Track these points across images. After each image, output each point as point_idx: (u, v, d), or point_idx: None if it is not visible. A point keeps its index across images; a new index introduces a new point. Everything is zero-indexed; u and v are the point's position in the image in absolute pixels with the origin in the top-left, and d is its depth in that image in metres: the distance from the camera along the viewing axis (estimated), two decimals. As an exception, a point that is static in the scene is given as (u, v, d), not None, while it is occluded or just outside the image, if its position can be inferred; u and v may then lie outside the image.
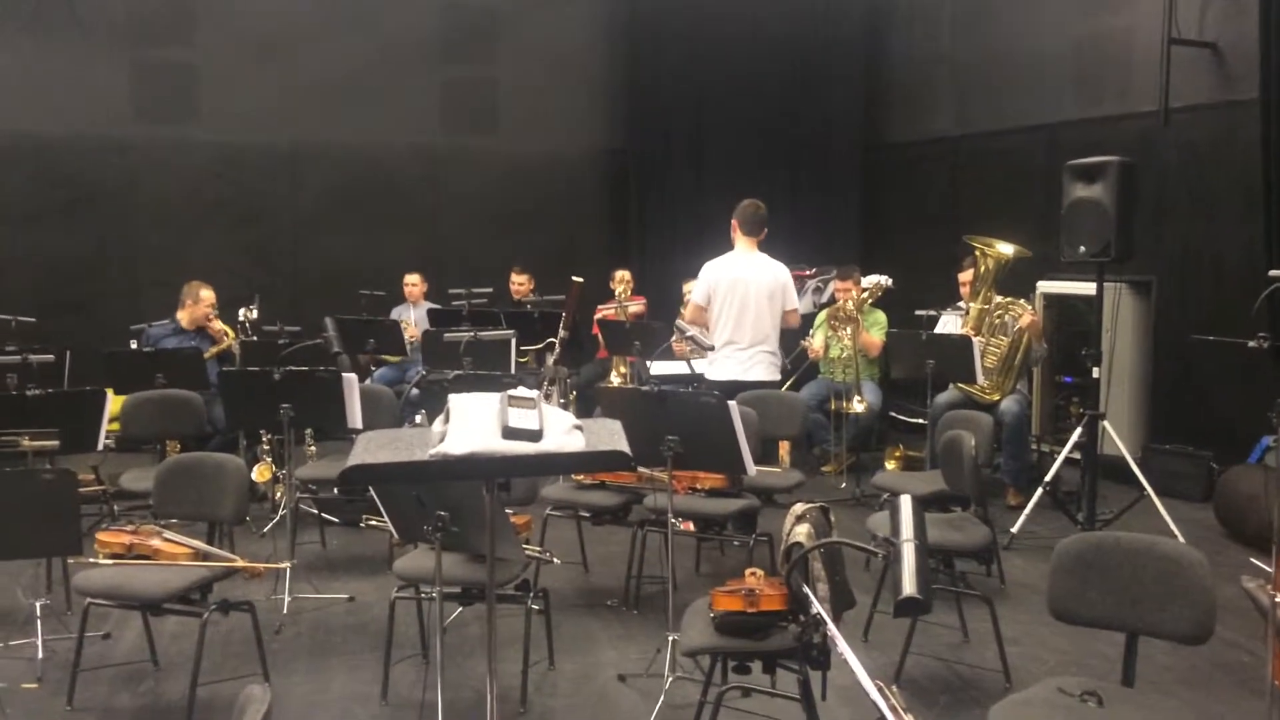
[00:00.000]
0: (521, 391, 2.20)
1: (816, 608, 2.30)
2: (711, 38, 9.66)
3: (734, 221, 6.03)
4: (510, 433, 2.10)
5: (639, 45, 9.79)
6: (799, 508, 3.37)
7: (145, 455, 6.72)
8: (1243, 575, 4.33)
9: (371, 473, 2.13)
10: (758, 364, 5.89)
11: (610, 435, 2.25)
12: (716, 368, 5.95)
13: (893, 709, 1.76)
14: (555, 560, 4.24)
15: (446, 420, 2.17)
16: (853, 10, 9.90)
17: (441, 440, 2.13)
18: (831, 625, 2.09)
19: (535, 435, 2.11)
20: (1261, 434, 6.53)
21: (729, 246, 6.11)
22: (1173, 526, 5.83)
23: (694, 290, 6.08)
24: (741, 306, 5.88)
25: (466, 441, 2.09)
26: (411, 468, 2.12)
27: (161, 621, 4.46)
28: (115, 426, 5.68)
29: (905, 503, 2.09)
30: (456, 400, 2.18)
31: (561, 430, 2.16)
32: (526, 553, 3.81)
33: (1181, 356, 7.11)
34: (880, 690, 1.76)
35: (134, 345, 7.22)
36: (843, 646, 1.91)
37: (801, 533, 3.24)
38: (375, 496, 3.50)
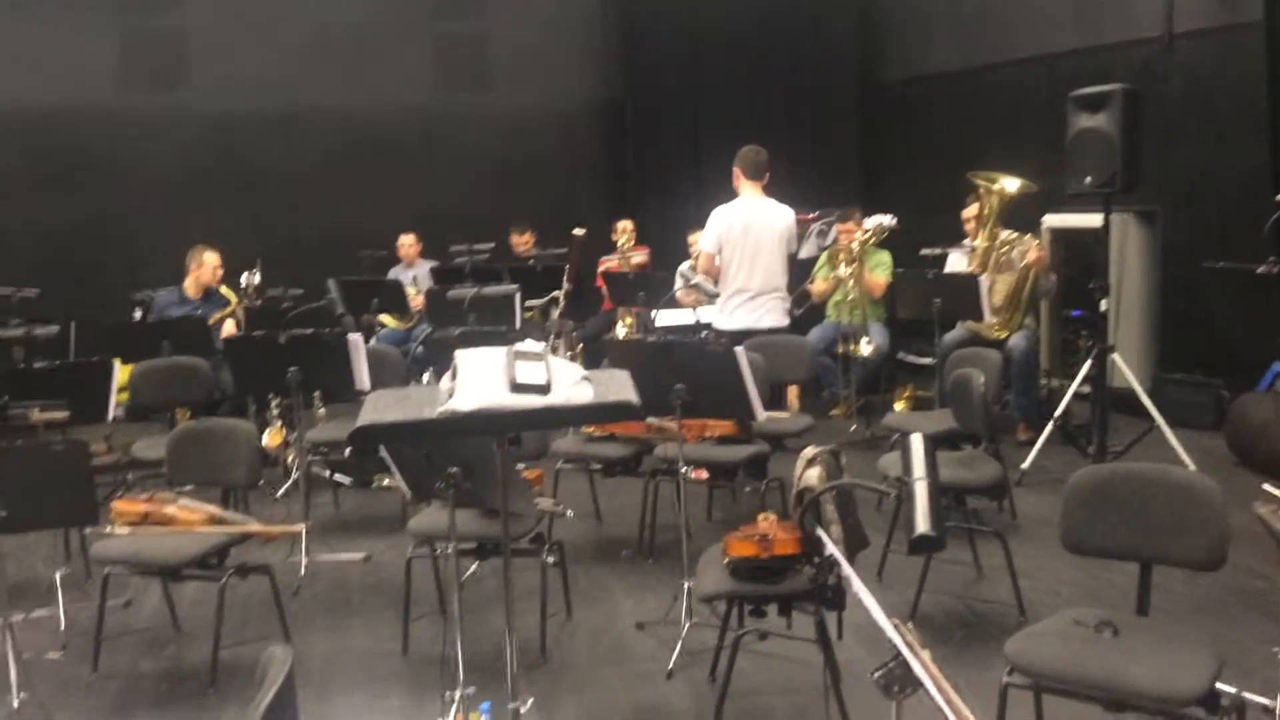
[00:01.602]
0: (528, 345, 2.18)
1: (830, 549, 2.31)
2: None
3: (736, 169, 5.98)
4: (518, 387, 2.09)
5: (632, -9, 9.65)
6: (810, 451, 3.36)
7: (155, 424, 6.75)
8: (1255, 502, 4.32)
9: (380, 432, 2.13)
10: (770, 311, 5.86)
11: (619, 386, 2.24)
12: (728, 317, 5.92)
13: (908, 645, 1.77)
14: (569, 514, 4.25)
15: (454, 377, 2.16)
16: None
17: (450, 397, 2.12)
18: (846, 565, 2.09)
19: (543, 389, 2.10)
20: (1271, 360, 6.50)
21: (728, 193, 6.06)
22: (1184, 456, 5.83)
23: (703, 238, 6.03)
24: (755, 252, 5.85)
25: (475, 397, 2.08)
26: (421, 425, 2.11)
27: (181, 587, 4.51)
28: (124, 396, 5.69)
29: (916, 441, 2.08)
30: (463, 356, 2.17)
31: (570, 382, 2.15)
32: (540, 507, 3.82)
33: (1190, 285, 7.06)
34: (896, 627, 1.76)
35: (137, 313, 7.22)
36: (858, 586, 1.92)
37: (813, 476, 3.23)
38: (387, 456, 3.51)
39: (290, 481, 6.07)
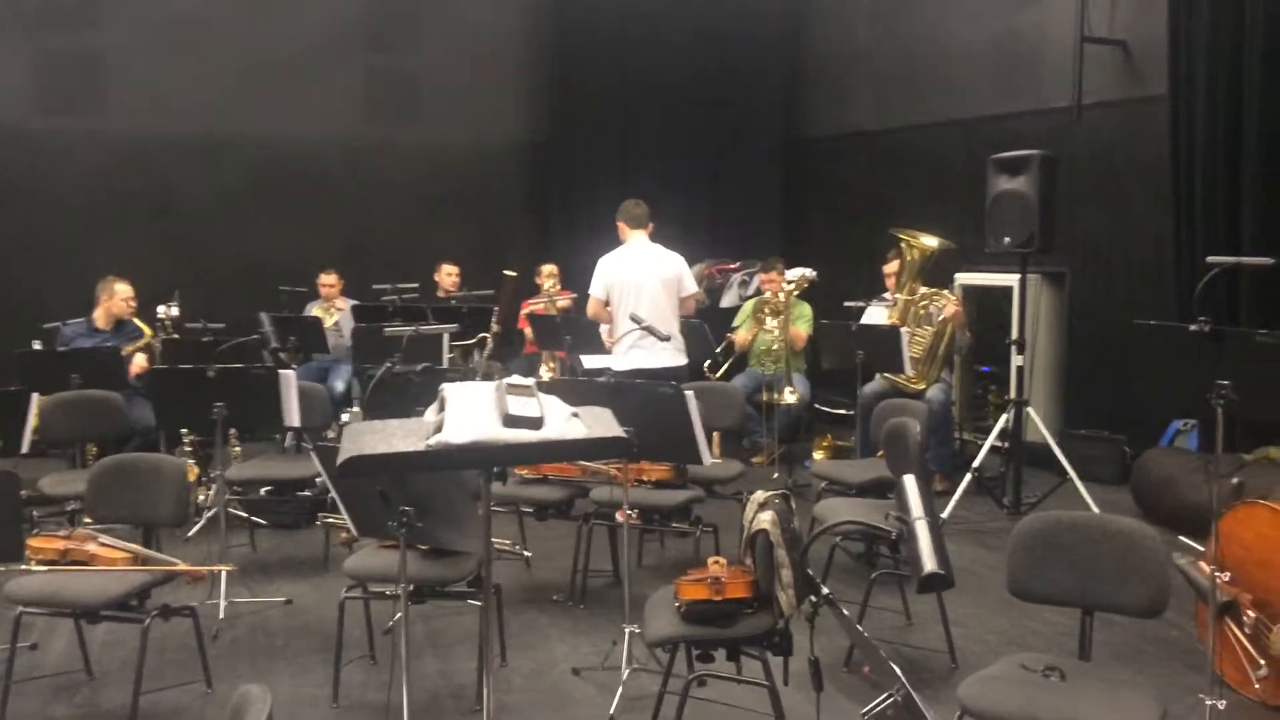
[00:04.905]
0: (518, 379, 2.17)
1: (825, 590, 2.32)
2: (635, 32, 9.64)
3: (620, 223, 6.19)
4: (512, 420, 2.07)
5: (563, 38, 9.71)
6: (760, 495, 3.39)
7: (56, 460, 6.46)
8: (1175, 553, 4.49)
9: (371, 464, 2.07)
10: (661, 351, 5.91)
11: (605, 423, 2.23)
12: (621, 357, 5.95)
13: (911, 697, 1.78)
14: (526, 554, 4.19)
15: (441, 409, 2.12)
16: (774, 7, 9.99)
17: (438, 430, 2.09)
18: (846, 613, 2.10)
19: (537, 423, 2.09)
20: (1171, 418, 6.80)
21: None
22: (1094, 508, 6.02)
23: (592, 286, 6.14)
24: (638, 294, 5.97)
25: (467, 430, 2.05)
26: (412, 458, 2.07)
27: (91, 629, 4.28)
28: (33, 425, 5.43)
29: (910, 483, 2.12)
30: (451, 389, 2.14)
31: (562, 418, 2.13)
32: (497, 547, 3.76)
33: (1094, 344, 7.35)
34: (901, 676, 1.78)
35: (37, 345, 6.92)
36: (860, 631, 1.93)
37: (765, 520, 3.26)
38: (334, 493, 3.41)
39: (203, 521, 5.86)
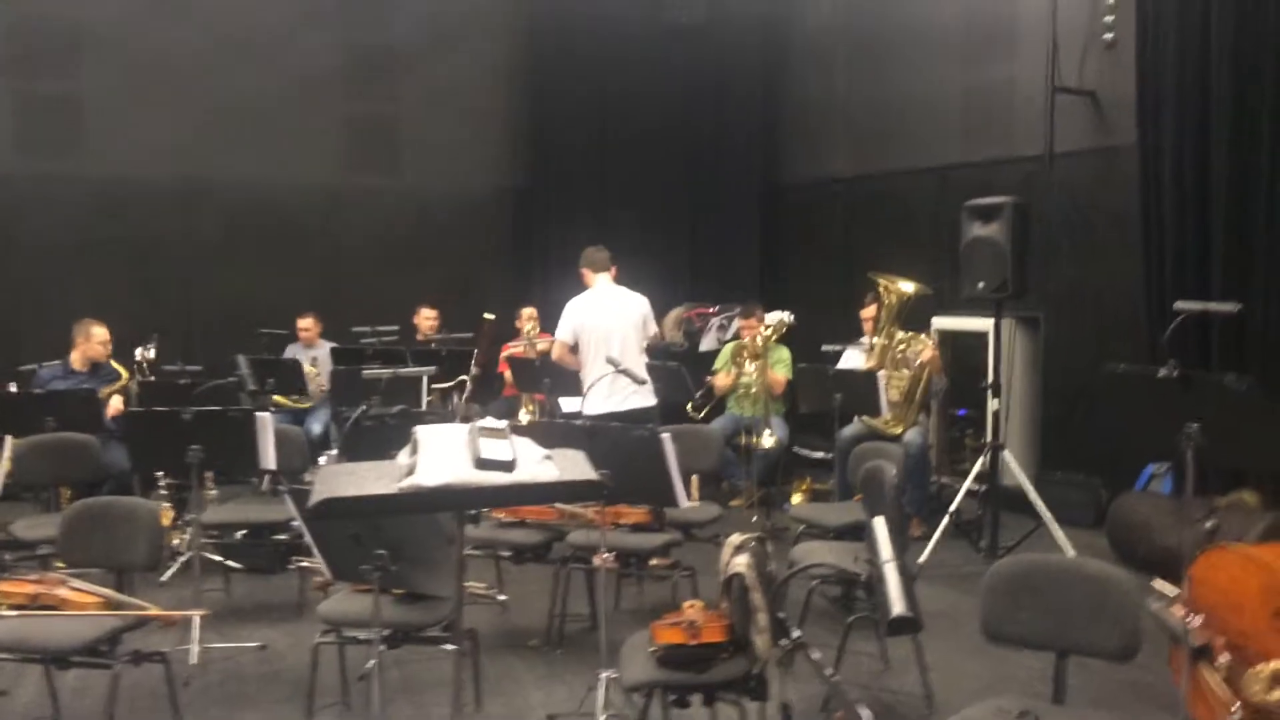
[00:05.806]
0: (491, 422, 2.18)
1: (798, 632, 2.33)
2: (613, 79, 9.77)
3: (583, 270, 6.27)
4: (484, 463, 2.08)
5: (541, 86, 9.82)
6: (736, 538, 3.40)
7: (28, 503, 6.41)
8: (1148, 598, 4.51)
9: (344, 505, 2.08)
10: (633, 393, 5.93)
11: (578, 465, 2.25)
12: (591, 401, 5.92)
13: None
14: (502, 598, 4.17)
15: (414, 452, 2.13)
16: (751, 56, 10.12)
17: (410, 472, 2.09)
18: (816, 652, 2.11)
19: (509, 465, 2.10)
20: (1146, 462, 6.84)
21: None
22: (1070, 552, 6.05)
23: (559, 330, 6.17)
24: (608, 336, 6.01)
25: (439, 473, 2.06)
26: (384, 500, 2.08)
27: (62, 676, 4.24)
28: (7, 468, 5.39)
29: (880, 525, 2.14)
30: (424, 431, 2.15)
31: (534, 460, 2.15)
32: (472, 591, 3.75)
33: (1069, 389, 7.41)
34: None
35: (13, 388, 6.89)
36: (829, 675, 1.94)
37: (741, 563, 3.26)
38: (309, 536, 3.40)
39: (177, 565, 5.81)
